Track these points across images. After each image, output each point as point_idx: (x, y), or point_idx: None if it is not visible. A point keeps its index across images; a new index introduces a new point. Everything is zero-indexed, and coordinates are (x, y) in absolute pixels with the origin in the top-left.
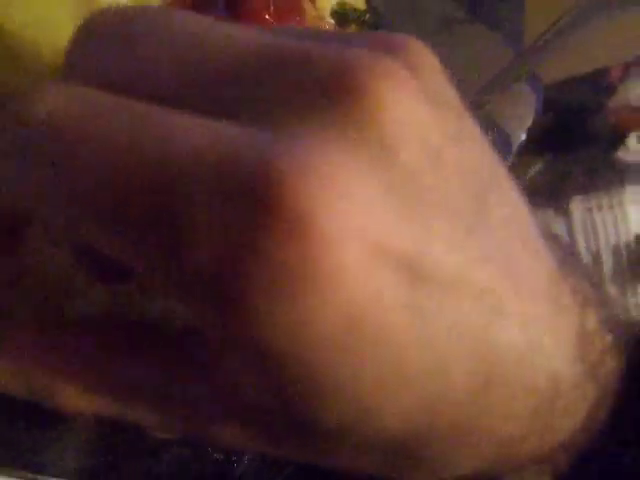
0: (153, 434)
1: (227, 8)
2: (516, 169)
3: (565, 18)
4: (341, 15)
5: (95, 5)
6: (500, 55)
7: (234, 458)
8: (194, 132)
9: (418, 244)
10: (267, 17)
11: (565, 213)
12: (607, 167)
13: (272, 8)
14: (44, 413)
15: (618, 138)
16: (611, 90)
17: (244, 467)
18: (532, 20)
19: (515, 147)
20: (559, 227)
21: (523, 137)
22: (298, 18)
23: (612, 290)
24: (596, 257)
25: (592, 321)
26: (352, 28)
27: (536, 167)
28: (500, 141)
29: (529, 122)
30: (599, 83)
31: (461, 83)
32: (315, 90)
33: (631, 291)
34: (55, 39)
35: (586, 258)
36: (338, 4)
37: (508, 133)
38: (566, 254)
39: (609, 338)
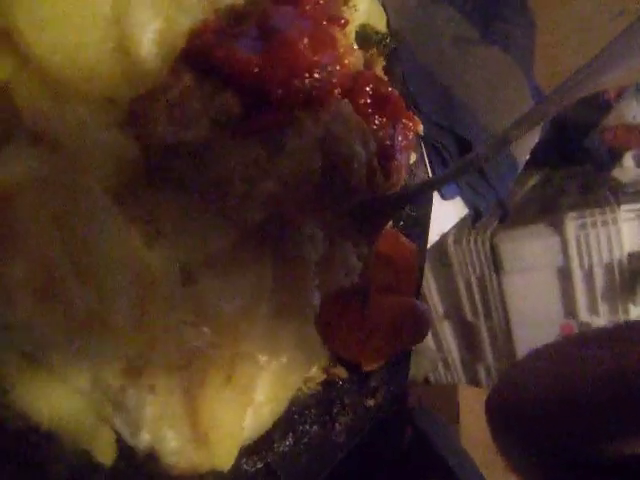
0: None
1: (261, 38)
2: (514, 183)
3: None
4: (364, 38)
5: (124, 30)
6: (512, 75)
7: None
8: None
9: None
10: (302, 48)
11: (559, 228)
12: (602, 185)
13: (306, 40)
14: None
15: (614, 156)
16: (607, 109)
17: None
18: (543, 42)
19: (521, 166)
20: (553, 242)
21: (527, 157)
22: (331, 49)
23: (604, 307)
24: (588, 273)
25: None
26: (373, 51)
27: (532, 181)
28: (507, 163)
29: (534, 142)
30: (595, 102)
31: (476, 103)
32: None
33: (622, 308)
34: (84, 63)
35: (579, 274)
36: (360, 27)
37: (515, 157)
38: None
39: None
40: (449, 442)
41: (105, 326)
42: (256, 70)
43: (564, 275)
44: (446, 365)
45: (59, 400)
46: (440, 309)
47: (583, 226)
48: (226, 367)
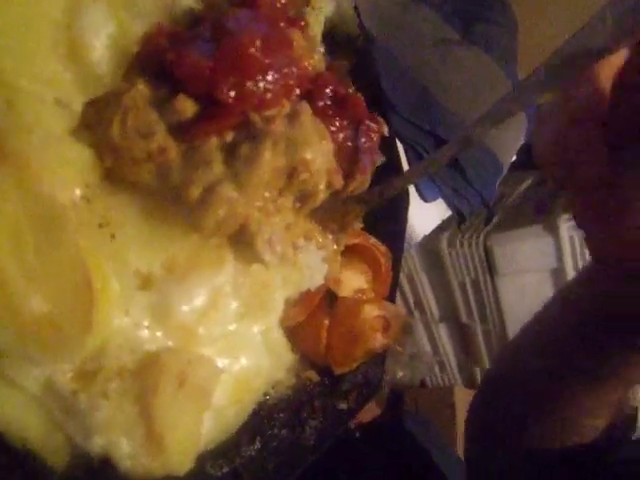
0: None
1: (212, 40)
2: (506, 185)
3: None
4: (332, 39)
5: (76, 35)
6: (493, 76)
7: None
8: None
9: None
10: (253, 51)
11: (553, 230)
12: None
13: (258, 42)
14: None
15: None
16: None
17: None
18: (525, 43)
19: (506, 168)
20: (547, 244)
21: (513, 158)
22: (287, 51)
23: None
24: None
25: None
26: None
27: (526, 183)
28: (490, 165)
29: (520, 142)
30: None
31: (455, 104)
32: None
33: None
34: (36, 69)
35: (573, 276)
36: (328, 28)
37: (499, 157)
38: None
39: None
40: (439, 445)
41: (56, 331)
42: (207, 73)
43: (558, 277)
44: (442, 368)
45: (10, 405)
46: (436, 312)
47: (576, 227)
48: (180, 372)
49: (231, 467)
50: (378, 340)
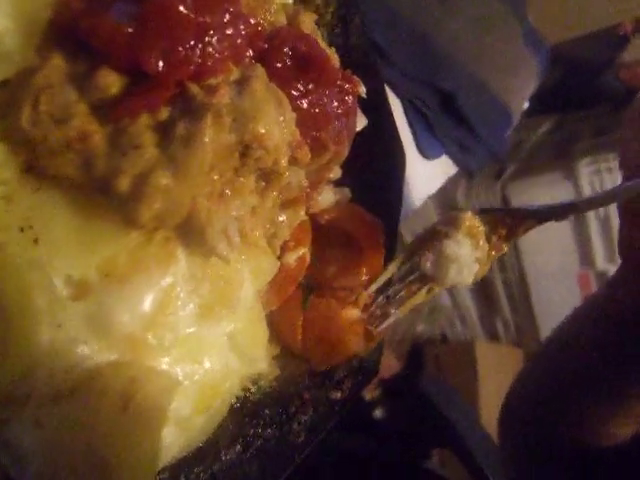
0: None
1: (135, 3)
2: (523, 130)
3: None
4: None
5: None
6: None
7: None
8: None
9: None
10: (183, 9)
11: (572, 176)
12: (618, 126)
13: None
14: None
15: (630, 95)
16: (623, 44)
17: None
18: None
19: (516, 118)
20: (566, 190)
21: (525, 106)
22: (232, 5)
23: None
24: (604, 221)
25: None
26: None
27: (544, 127)
28: (498, 114)
29: (531, 90)
30: (610, 37)
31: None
32: None
33: None
34: None
35: (595, 222)
36: None
37: (508, 105)
38: None
39: None
40: (456, 407)
41: None
42: (128, 41)
43: (579, 224)
44: (463, 321)
45: None
46: None
47: (597, 172)
48: (124, 392)
49: (209, 474)
50: (359, 345)
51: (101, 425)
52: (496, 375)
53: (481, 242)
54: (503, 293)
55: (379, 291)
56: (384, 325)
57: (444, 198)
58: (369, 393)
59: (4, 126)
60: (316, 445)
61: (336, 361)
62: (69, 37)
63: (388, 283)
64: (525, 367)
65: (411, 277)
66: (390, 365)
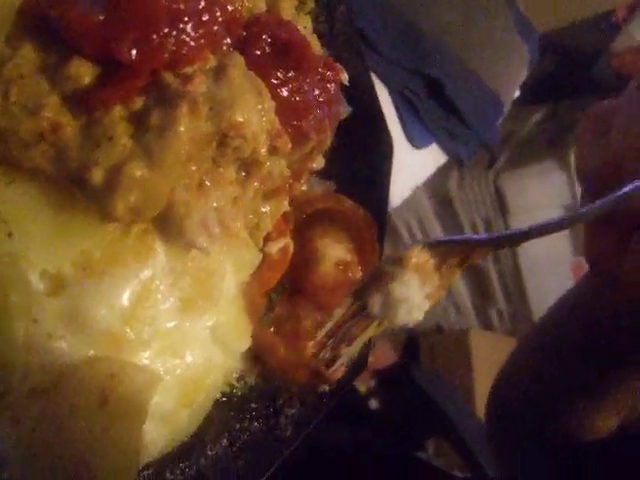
0: None
1: None
2: (515, 119)
3: None
4: None
5: None
6: (490, 2)
7: None
8: None
9: None
10: None
11: (566, 165)
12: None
13: None
14: None
15: (623, 83)
16: (615, 31)
17: None
18: None
19: (508, 105)
20: (559, 179)
21: (516, 94)
22: None
23: None
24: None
25: None
26: None
27: (536, 116)
28: (488, 103)
29: (522, 77)
30: (603, 24)
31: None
32: None
33: None
34: None
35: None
36: None
37: (497, 92)
38: None
39: None
40: (450, 397)
41: None
42: (99, 30)
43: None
44: (458, 311)
45: None
46: None
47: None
48: (101, 388)
49: (195, 469)
50: (307, 381)
51: (79, 421)
52: (490, 364)
53: (430, 276)
54: (497, 282)
55: (328, 335)
56: (336, 366)
57: (436, 189)
58: (364, 384)
59: None
60: (304, 438)
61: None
62: (40, 27)
63: (336, 327)
64: (509, 358)
65: (359, 317)
66: (385, 355)
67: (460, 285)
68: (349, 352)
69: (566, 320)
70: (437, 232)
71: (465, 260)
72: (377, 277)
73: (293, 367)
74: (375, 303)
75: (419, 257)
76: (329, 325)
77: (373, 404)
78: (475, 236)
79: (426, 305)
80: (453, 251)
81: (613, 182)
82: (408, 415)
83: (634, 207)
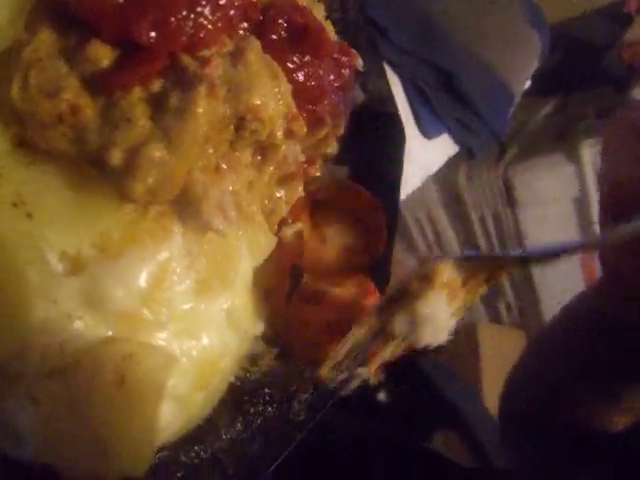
0: None
1: None
2: (525, 112)
3: None
4: None
5: None
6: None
7: None
8: None
9: None
10: None
11: (575, 157)
12: (621, 107)
13: None
14: None
15: (633, 75)
16: (627, 22)
17: None
18: None
19: (519, 96)
20: (569, 172)
21: (527, 85)
22: None
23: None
24: None
25: None
26: None
27: (545, 109)
28: (499, 93)
29: (533, 68)
30: (614, 15)
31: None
32: None
33: None
34: None
35: (597, 204)
36: None
37: (508, 83)
38: None
39: None
40: (458, 389)
41: None
42: (117, 12)
43: (581, 206)
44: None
45: None
46: (456, 247)
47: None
48: (119, 367)
49: (209, 453)
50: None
51: (97, 400)
52: (498, 357)
53: (458, 293)
54: (506, 276)
55: (347, 354)
56: (349, 389)
57: (446, 181)
58: (375, 377)
59: None
60: (317, 423)
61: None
62: (58, 11)
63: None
64: (519, 362)
65: (380, 338)
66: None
67: None
68: (364, 373)
69: (577, 327)
70: (446, 226)
71: (493, 276)
72: (402, 295)
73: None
74: (400, 323)
75: (448, 274)
76: (348, 345)
77: (381, 397)
78: (507, 254)
79: (452, 324)
80: (481, 268)
81: None
82: (416, 407)
83: None
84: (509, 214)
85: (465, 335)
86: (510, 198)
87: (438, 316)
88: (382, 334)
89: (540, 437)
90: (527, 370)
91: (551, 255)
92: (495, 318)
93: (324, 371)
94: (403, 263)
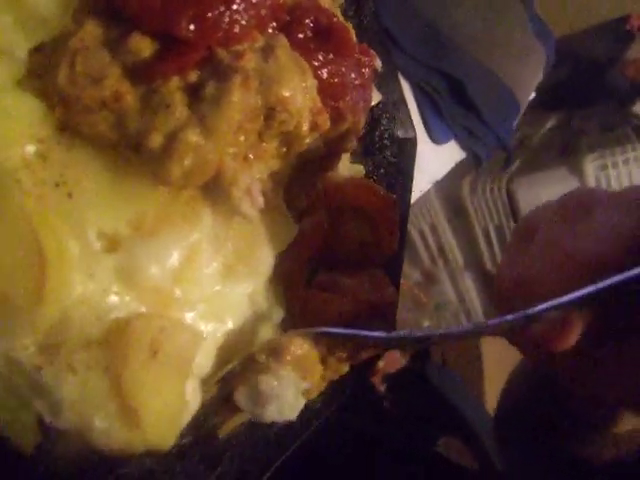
0: None
1: None
2: (528, 126)
3: None
4: None
5: None
6: (508, 5)
7: (208, 466)
8: None
9: None
10: None
11: (578, 171)
12: (624, 122)
13: None
14: None
15: (636, 91)
16: (630, 39)
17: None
18: None
19: (524, 106)
20: (572, 186)
21: (532, 96)
22: None
23: None
24: None
25: None
26: None
27: (549, 123)
28: (506, 102)
29: (539, 78)
30: (617, 32)
31: (466, 40)
32: None
33: None
34: None
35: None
36: None
37: (514, 92)
38: None
39: None
40: (464, 396)
41: (4, 302)
42: (158, 7)
43: None
44: (468, 316)
45: None
46: (460, 260)
47: (603, 167)
48: (153, 340)
49: (228, 435)
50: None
51: (131, 371)
52: (501, 370)
53: (312, 369)
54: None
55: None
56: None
57: (449, 193)
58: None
59: (41, 86)
60: (320, 425)
61: None
62: (103, 5)
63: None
64: (506, 385)
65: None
66: (395, 360)
67: (471, 290)
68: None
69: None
70: (449, 238)
71: (354, 357)
72: (247, 365)
73: None
74: (241, 395)
75: (300, 348)
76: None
77: (385, 406)
78: (365, 332)
79: (301, 403)
80: (342, 345)
81: (524, 301)
82: (420, 414)
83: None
84: (512, 227)
85: (468, 347)
86: (513, 211)
87: (284, 394)
88: (228, 404)
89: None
90: (513, 395)
91: (416, 340)
92: None
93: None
94: (406, 275)
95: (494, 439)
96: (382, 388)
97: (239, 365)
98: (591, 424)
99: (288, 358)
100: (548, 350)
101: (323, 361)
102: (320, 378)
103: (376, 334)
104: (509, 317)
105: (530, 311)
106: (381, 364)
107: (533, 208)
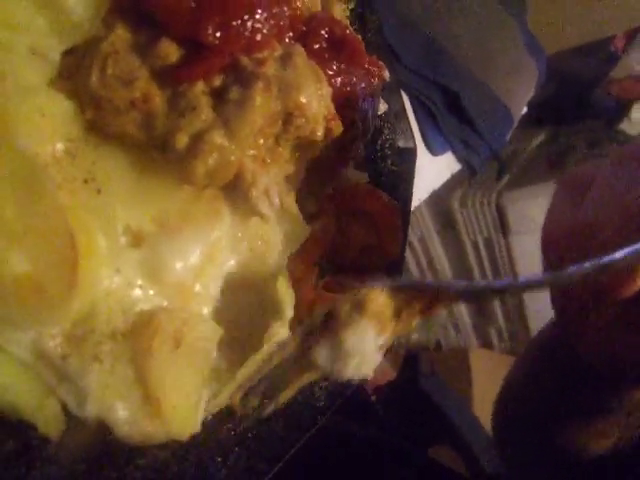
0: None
1: None
2: (518, 141)
3: None
4: None
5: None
6: (503, 23)
7: (218, 459)
8: None
9: None
10: None
11: None
12: (610, 139)
13: None
14: None
15: (621, 109)
16: (614, 60)
17: (227, 470)
18: None
19: (517, 119)
20: None
21: (524, 110)
22: None
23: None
24: None
25: None
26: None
27: (538, 139)
28: (501, 115)
29: (530, 94)
30: (602, 53)
31: (463, 54)
32: None
33: None
34: (8, 16)
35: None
36: None
37: (509, 107)
38: None
39: None
40: (455, 406)
41: (38, 292)
42: (188, 14)
43: None
44: (457, 329)
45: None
46: (449, 273)
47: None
48: (176, 331)
49: (238, 431)
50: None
51: (156, 361)
52: (490, 383)
53: (388, 324)
54: (497, 302)
55: (262, 379)
56: (268, 412)
57: (439, 207)
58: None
59: (71, 87)
60: (336, 408)
61: None
62: (132, 10)
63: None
64: (505, 381)
65: (299, 361)
66: (385, 372)
67: (460, 304)
68: (277, 402)
69: (545, 357)
70: (438, 251)
71: (429, 308)
72: (328, 319)
73: None
74: (321, 352)
75: (380, 301)
76: (265, 368)
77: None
78: (446, 283)
79: (378, 359)
80: (417, 297)
81: (578, 254)
82: (411, 424)
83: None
84: (501, 241)
85: (457, 360)
86: (503, 225)
87: (365, 348)
88: (303, 361)
89: (534, 456)
90: (512, 392)
91: (493, 290)
92: (486, 343)
93: (234, 399)
94: None
95: (494, 442)
96: (373, 399)
97: (319, 319)
98: (597, 407)
99: (370, 310)
100: (616, 297)
101: (397, 314)
102: (392, 334)
103: (457, 284)
104: (587, 265)
105: (607, 258)
106: (370, 376)
107: (522, 221)
